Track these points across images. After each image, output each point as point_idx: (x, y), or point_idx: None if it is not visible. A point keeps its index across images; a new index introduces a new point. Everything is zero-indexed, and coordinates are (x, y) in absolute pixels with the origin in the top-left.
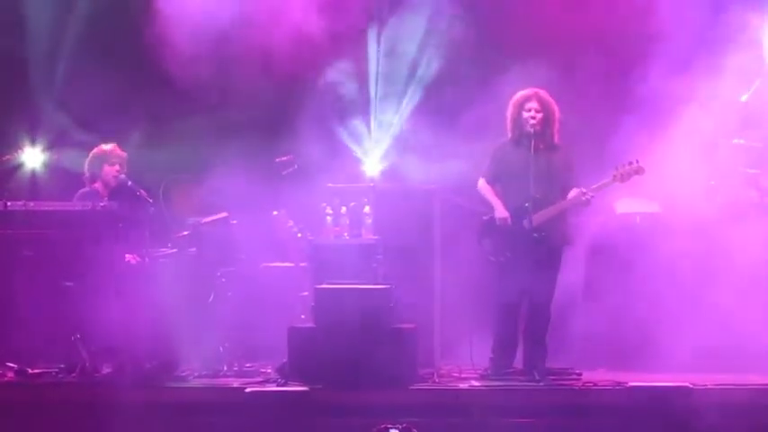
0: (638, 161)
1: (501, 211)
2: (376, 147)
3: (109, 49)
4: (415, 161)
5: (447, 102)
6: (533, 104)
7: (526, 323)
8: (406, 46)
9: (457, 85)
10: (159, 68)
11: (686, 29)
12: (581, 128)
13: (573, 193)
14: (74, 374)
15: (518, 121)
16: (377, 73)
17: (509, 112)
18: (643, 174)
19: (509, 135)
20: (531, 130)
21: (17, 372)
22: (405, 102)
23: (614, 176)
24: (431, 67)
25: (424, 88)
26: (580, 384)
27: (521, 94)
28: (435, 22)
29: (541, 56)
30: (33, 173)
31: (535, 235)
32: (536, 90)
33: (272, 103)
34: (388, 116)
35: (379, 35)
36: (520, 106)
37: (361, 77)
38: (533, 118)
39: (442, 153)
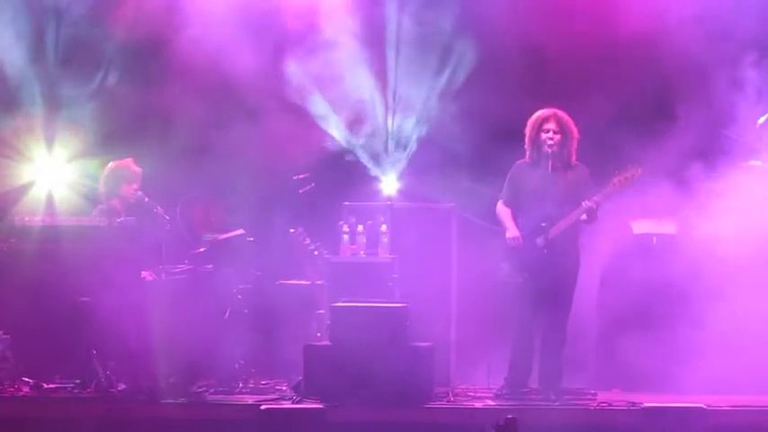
0: (636, 165)
1: (512, 231)
2: (393, 165)
3: (126, 63)
4: (433, 179)
5: (466, 119)
6: (551, 125)
7: (542, 343)
8: (424, 56)
9: (477, 101)
10: (177, 85)
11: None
12: (598, 144)
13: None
14: (89, 390)
15: (536, 141)
16: (394, 88)
17: (527, 133)
18: (642, 173)
19: (527, 155)
20: (549, 151)
21: (33, 386)
22: (422, 118)
23: (614, 183)
24: (451, 80)
25: (442, 104)
26: (595, 404)
27: (539, 114)
28: (453, 39)
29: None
30: (51, 188)
31: (546, 251)
32: (554, 111)
33: (291, 121)
34: (405, 133)
35: (396, 51)
36: (538, 127)
37: (379, 93)
38: (551, 139)
39: (460, 171)
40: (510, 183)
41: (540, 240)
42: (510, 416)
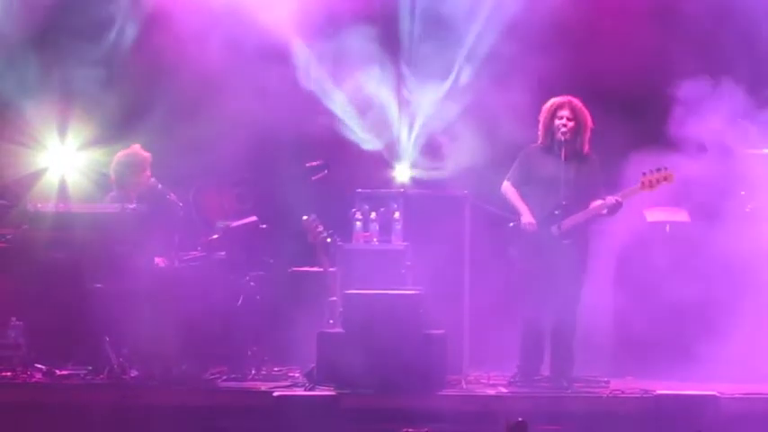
0: (666, 168)
1: (527, 217)
2: (407, 152)
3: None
4: (446, 166)
5: (480, 103)
6: (565, 112)
7: (552, 330)
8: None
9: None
10: (186, 75)
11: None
12: (607, 137)
13: (597, 202)
14: (101, 376)
15: (549, 128)
16: (408, 75)
17: (541, 119)
18: (672, 181)
19: (540, 141)
20: (562, 138)
21: (45, 373)
22: (436, 104)
23: (642, 183)
24: (465, 68)
25: (457, 89)
26: (607, 392)
27: (553, 101)
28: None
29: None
30: (63, 175)
31: (564, 242)
32: (569, 98)
33: (303, 108)
34: (419, 119)
35: (410, 35)
36: (552, 113)
37: (393, 79)
38: (565, 126)
39: (473, 158)
40: (520, 165)
41: (554, 229)
42: (521, 419)
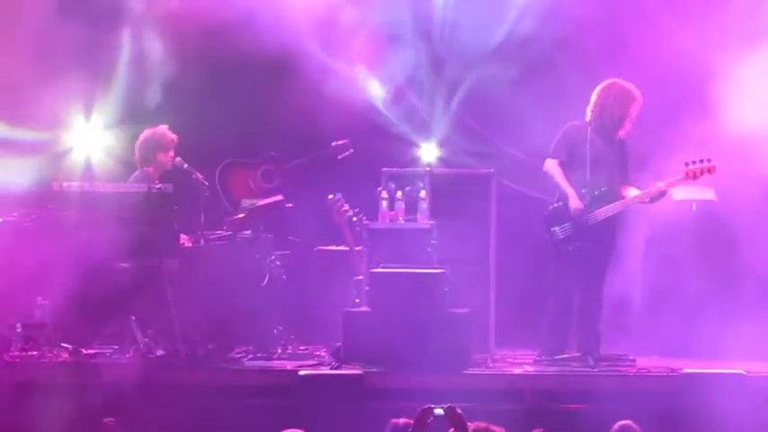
0: (709, 160)
1: (575, 201)
2: (433, 131)
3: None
4: (472, 144)
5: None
6: (635, 113)
7: (579, 309)
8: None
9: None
10: (217, 53)
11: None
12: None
13: (632, 190)
14: (128, 355)
15: (610, 113)
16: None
17: (609, 101)
18: (714, 173)
19: (588, 119)
20: (616, 129)
21: (71, 352)
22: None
23: (686, 174)
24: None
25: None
26: (634, 371)
27: (635, 94)
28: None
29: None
30: (88, 154)
31: (595, 224)
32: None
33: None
34: (444, 98)
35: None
36: (627, 105)
37: (420, 59)
38: (629, 124)
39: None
40: (567, 143)
41: (590, 218)
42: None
